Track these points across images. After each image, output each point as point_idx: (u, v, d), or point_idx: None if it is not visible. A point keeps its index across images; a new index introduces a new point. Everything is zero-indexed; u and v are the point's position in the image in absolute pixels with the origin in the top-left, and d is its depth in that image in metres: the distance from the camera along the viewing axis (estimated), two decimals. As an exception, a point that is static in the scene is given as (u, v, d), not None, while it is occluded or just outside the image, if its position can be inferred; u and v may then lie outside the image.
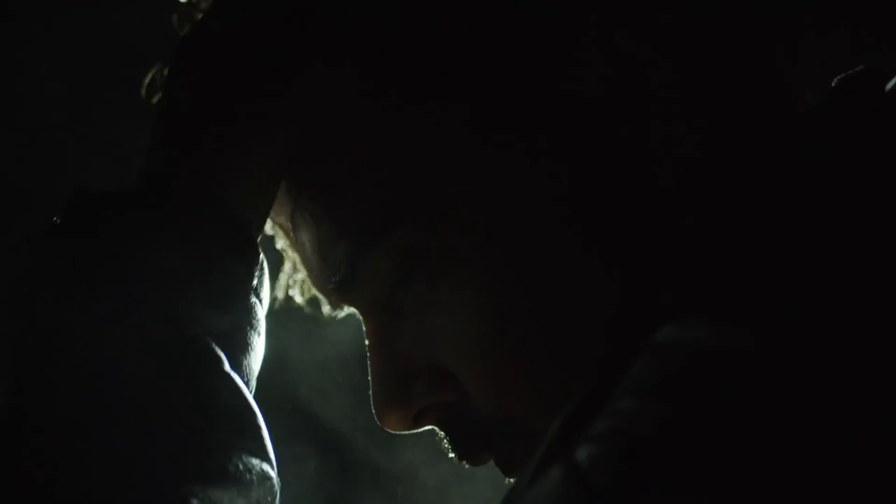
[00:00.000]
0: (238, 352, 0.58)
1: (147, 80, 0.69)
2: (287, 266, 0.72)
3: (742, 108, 0.61)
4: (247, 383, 0.58)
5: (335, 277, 0.62)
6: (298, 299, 0.73)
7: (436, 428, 0.66)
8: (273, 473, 0.56)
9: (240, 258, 0.59)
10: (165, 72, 0.64)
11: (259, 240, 0.61)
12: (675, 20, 0.59)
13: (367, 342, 0.66)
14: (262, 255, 0.60)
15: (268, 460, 0.56)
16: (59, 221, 0.58)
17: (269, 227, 0.67)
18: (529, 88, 0.59)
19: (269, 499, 0.56)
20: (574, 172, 0.59)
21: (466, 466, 0.66)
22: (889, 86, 0.59)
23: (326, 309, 0.70)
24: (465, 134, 0.60)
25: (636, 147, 0.59)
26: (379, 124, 0.61)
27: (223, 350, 0.56)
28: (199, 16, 0.66)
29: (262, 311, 0.60)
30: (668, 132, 0.59)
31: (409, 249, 0.60)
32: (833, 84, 0.60)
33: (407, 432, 0.66)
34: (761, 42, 0.62)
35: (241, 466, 0.54)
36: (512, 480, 0.65)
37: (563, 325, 0.60)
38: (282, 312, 0.73)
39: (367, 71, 0.60)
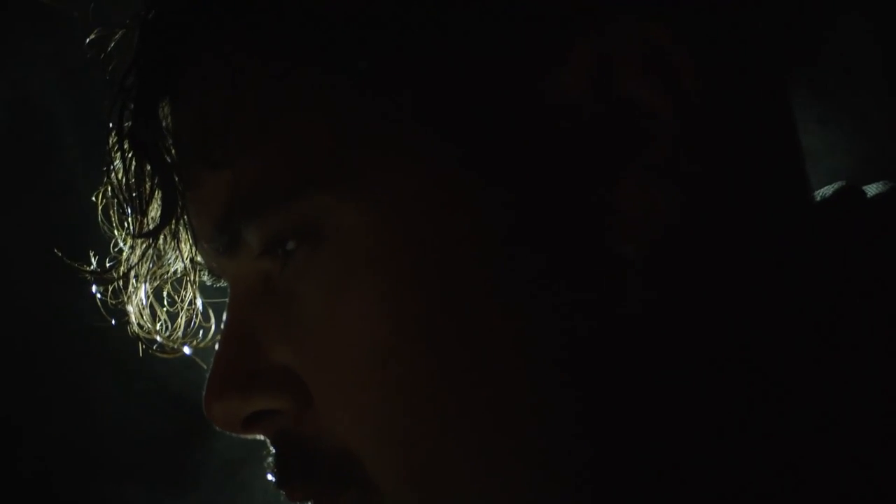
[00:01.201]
0: None
1: None
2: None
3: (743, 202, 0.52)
4: None
5: (223, 234, 0.55)
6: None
7: (266, 441, 0.57)
8: None
9: None
10: None
11: None
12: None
13: (223, 322, 0.58)
14: None
15: None
16: None
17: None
18: (476, 80, 0.51)
19: None
20: (521, 199, 0.51)
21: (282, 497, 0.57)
22: (871, 193, 0.55)
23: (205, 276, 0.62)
24: (411, 123, 0.52)
25: (596, 194, 0.51)
26: (319, 90, 0.53)
27: None
28: None
29: None
30: (642, 197, 0.50)
31: (311, 222, 0.52)
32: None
33: (234, 434, 0.57)
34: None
35: None
36: None
37: (448, 390, 0.51)
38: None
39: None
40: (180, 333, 0.63)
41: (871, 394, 0.47)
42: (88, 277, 0.61)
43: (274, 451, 0.57)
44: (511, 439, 0.51)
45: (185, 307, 0.63)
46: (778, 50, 0.55)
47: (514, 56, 0.51)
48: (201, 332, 0.63)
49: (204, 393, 0.56)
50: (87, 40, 0.64)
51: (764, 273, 0.52)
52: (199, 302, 0.63)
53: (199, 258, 0.62)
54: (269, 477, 0.57)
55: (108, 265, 0.61)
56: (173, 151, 0.56)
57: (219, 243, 0.55)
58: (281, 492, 0.56)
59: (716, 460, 0.50)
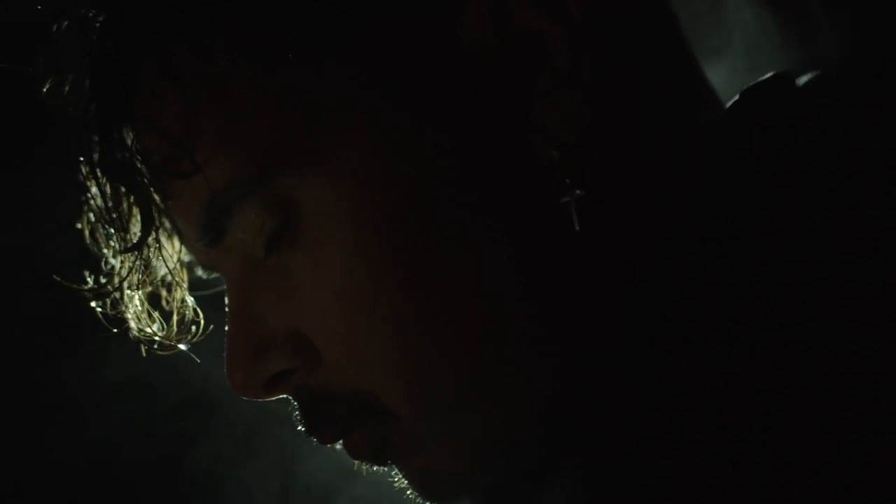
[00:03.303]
0: None
1: None
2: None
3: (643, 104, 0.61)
4: None
5: (208, 232, 0.62)
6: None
7: (290, 398, 0.65)
8: None
9: None
10: None
11: None
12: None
13: (226, 306, 0.65)
14: None
15: None
16: None
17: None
18: (411, 41, 0.59)
19: None
20: (457, 140, 0.59)
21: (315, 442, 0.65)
22: (801, 81, 0.61)
23: (199, 271, 0.70)
24: (351, 90, 0.59)
25: (519, 116, 0.59)
26: (262, 78, 0.60)
27: None
28: None
29: None
30: (555, 107, 0.59)
31: (284, 201, 0.60)
32: (738, 95, 0.62)
33: (261, 399, 0.65)
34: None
35: None
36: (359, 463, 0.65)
37: (430, 312, 0.59)
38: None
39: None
40: (175, 331, 0.69)
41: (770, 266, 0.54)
42: (88, 295, 0.68)
43: (298, 405, 0.65)
44: (484, 338, 0.60)
45: (178, 306, 0.69)
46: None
47: (429, 10, 0.59)
48: (193, 327, 0.70)
49: (225, 369, 0.64)
50: (44, 90, 0.69)
51: (669, 159, 0.60)
52: (189, 299, 0.70)
53: (187, 258, 0.69)
54: (300, 428, 0.65)
55: (102, 281, 0.67)
56: (144, 169, 0.62)
57: (206, 240, 0.62)
58: (312, 438, 0.64)
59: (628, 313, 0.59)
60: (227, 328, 0.65)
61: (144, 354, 0.69)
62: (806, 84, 0.61)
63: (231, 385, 0.64)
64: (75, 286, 0.68)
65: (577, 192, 0.58)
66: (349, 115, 0.59)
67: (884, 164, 0.53)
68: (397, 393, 0.61)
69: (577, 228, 0.58)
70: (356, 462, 0.66)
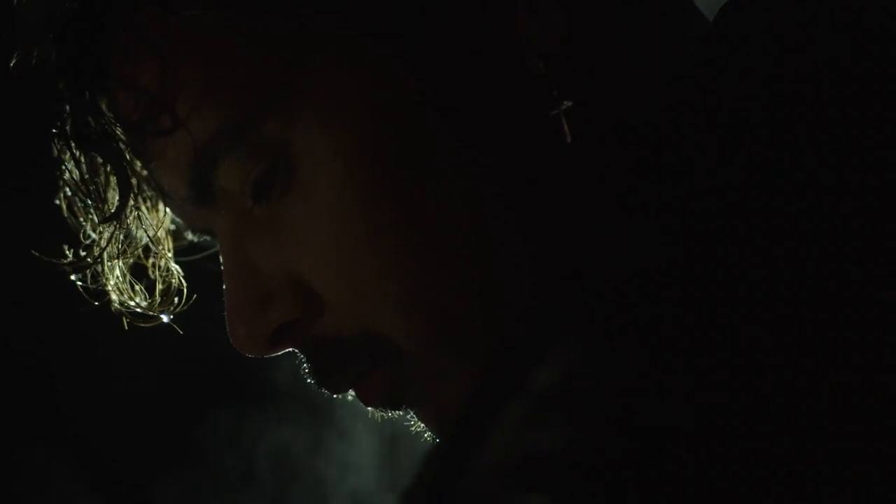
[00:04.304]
0: None
1: None
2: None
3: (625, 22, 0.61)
4: None
5: (195, 188, 0.60)
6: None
7: (296, 351, 0.64)
8: None
9: None
10: None
11: None
12: None
13: (221, 264, 0.63)
14: None
15: None
16: None
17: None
18: None
19: None
20: (443, 64, 0.59)
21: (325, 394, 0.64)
22: None
23: (189, 235, 0.68)
24: (330, 29, 0.58)
25: (501, 30, 0.59)
26: (236, 23, 0.59)
27: None
28: None
29: None
30: (538, 19, 0.59)
31: (272, 146, 0.58)
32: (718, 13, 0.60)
33: (267, 355, 0.63)
34: None
35: None
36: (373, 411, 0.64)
37: (428, 242, 0.59)
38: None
39: None
40: (158, 301, 0.68)
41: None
42: (67, 269, 0.66)
43: (306, 358, 0.63)
44: (484, 263, 0.59)
45: (162, 275, 0.68)
46: None
47: None
48: (176, 298, 0.69)
49: (227, 327, 0.62)
50: (11, 64, 0.68)
51: (653, 67, 0.60)
52: (175, 267, 0.69)
53: (173, 225, 0.68)
54: (310, 381, 0.63)
55: (81, 253, 0.66)
56: (120, 133, 0.61)
57: (194, 198, 0.61)
58: (324, 390, 0.63)
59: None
60: (224, 285, 0.63)
61: (126, 328, 0.68)
62: None
63: (234, 342, 0.63)
64: (54, 260, 0.66)
65: (566, 103, 0.58)
66: (328, 52, 0.58)
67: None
68: (404, 327, 0.60)
69: (569, 140, 0.58)
70: (370, 409, 0.65)
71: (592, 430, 0.45)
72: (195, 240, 0.68)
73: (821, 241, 0.46)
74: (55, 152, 0.65)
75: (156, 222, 0.67)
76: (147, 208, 0.66)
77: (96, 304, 0.67)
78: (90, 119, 0.61)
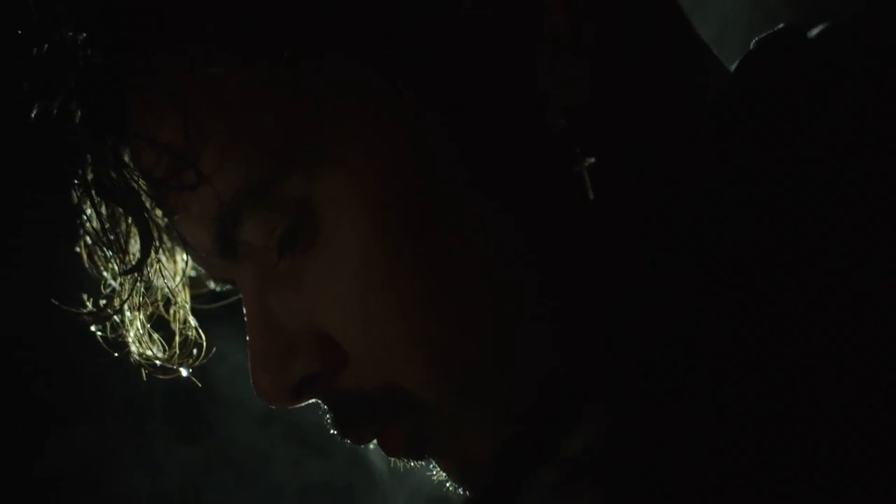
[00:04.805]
0: None
1: None
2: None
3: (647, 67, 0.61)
4: None
5: (219, 241, 0.60)
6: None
7: (320, 402, 0.64)
8: None
9: None
10: None
11: None
12: None
13: (245, 316, 0.63)
14: None
15: None
16: None
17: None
18: (408, 22, 0.58)
19: None
20: (466, 119, 0.58)
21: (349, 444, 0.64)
22: (812, 34, 0.60)
23: (211, 284, 0.69)
24: (352, 81, 0.58)
25: (524, 86, 0.59)
26: (259, 78, 0.58)
27: None
28: None
29: None
30: (559, 73, 0.59)
31: (296, 201, 0.58)
32: (751, 46, 0.61)
33: (290, 406, 0.64)
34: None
35: None
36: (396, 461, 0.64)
37: (451, 299, 0.59)
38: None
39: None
40: (178, 353, 0.68)
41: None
42: (87, 318, 0.66)
43: (328, 408, 0.64)
44: (505, 316, 0.59)
45: (180, 328, 0.68)
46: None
47: None
48: (194, 350, 0.69)
49: (251, 378, 0.62)
50: (33, 115, 0.68)
51: (677, 122, 0.60)
52: (192, 320, 0.68)
53: (193, 273, 0.68)
54: (332, 432, 0.63)
55: (101, 304, 0.66)
56: (142, 186, 0.61)
57: (218, 250, 0.61)
58: (346, 441, 0.63)
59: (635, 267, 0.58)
60: (248, 337, 0.63)
61: (146, 378, 0.68)
62: (818, 34, 0.60)
63: (258, 392, 0.63)
64: (74, 310, 0.66)
65: (589, 160, 0.58)
66: (353, 106, 0.58)
67: None
68: (428, 381, 0.60)
69: (592, 197, 0.58)
70: (392, 460, 0.65)
71: (622, 499, 0.45)
72: (217, 289, 0.69)
73: (851, 324, 0.46)
74: (75, 199, 0.65)
75: (174, 273, 0.67)
76: (166, 258, 0.66)
77: (115, 355, 0.67)
78: (111, 171, 0.61)
